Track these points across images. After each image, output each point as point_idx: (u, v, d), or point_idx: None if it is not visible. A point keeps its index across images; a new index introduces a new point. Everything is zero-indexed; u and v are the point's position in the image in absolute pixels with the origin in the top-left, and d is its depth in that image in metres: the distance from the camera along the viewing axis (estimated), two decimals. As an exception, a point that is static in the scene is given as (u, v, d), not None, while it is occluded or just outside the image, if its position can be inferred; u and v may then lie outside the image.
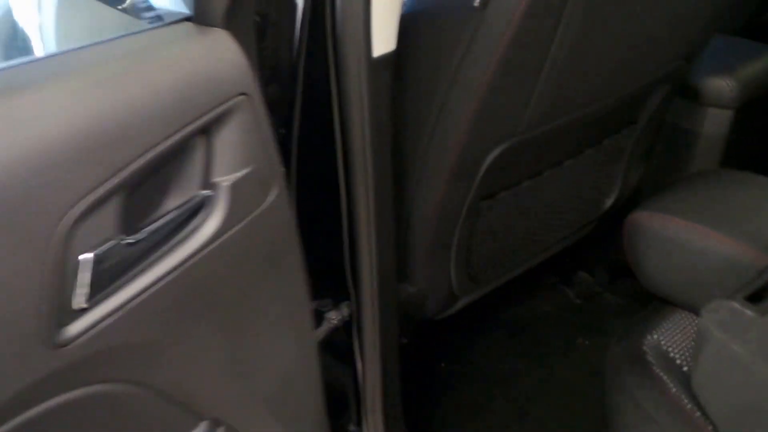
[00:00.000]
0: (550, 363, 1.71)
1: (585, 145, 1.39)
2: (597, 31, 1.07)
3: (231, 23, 0.77)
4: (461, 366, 1.71)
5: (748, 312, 0.92)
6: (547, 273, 1.90)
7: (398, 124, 1.05)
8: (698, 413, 1.00)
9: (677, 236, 1.20)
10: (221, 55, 0.76)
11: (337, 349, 1.19)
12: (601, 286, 1.89)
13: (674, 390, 1.03)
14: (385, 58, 0.92)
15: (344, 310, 1.12)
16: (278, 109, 1.02)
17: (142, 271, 0.73)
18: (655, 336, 1.15)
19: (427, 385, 1.65)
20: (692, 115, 1.66)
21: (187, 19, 0.78)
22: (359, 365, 1.16)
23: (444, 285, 1.31)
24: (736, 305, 0.93)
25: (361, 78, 0.90)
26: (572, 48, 1.03)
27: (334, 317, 1.12)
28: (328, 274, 1.11)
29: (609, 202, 1.56)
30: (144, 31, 0.78)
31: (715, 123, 1.65)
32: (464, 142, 1.08)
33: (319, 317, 1.11)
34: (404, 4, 1.05)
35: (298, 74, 0.97)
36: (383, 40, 0.91)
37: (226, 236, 0.79)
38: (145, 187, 0.73)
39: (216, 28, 0.77)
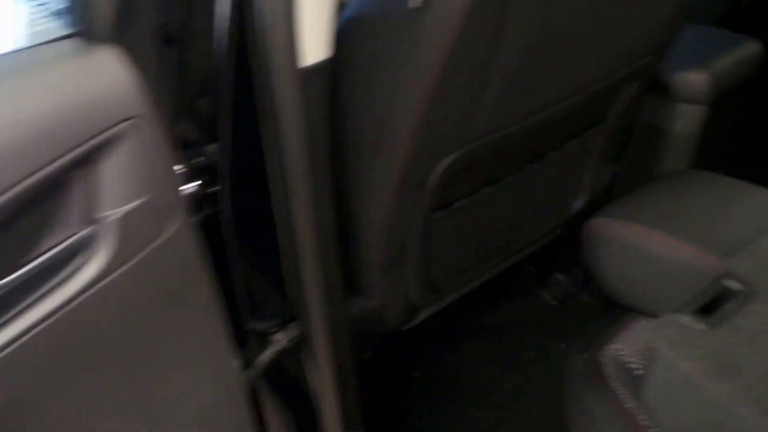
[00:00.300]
0: (526, 369, 1.69)
1: (548, 148, 1.34)
2: (550, 28, 1.01)
3: (123, 38, 0.70)
4: (434, 375, 1.68)
5: (697, 326, 0.88)
6: (521, 276, 1.87)
7: (339, 136, 1.02)
8: (653, 429, 0.96)
9: (634, 243, 1.17)
10: (105, 75, 0.68)
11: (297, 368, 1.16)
12: (576, 287, 1.86)
13: (629, 405, 1.00)
14: (317, 68, 0.86)
15: (292, 331, 1.09)
16: (212, 123, 0.99)
17: (3, 324, 0.67)
18: (615, 345, 1.11)
19: (400, 397, 1.62)
20: (664, 111, 1.62)
21: (75, 34, 0.71)
22: (313, 386, 1.13)
23: (402, 298, 1.27)
24: (684, 319, 0.89)
25: (289, 89, 0.84)
26: (523, 48, 0.98)
27: (281, 339, 1.09)
28: (274, 294, 1.07)
29: (578, 204, 1.52)
30: (18, 50, 0.71)
31: (688, 119, 1.61)
32: (409, 153, 1.04)
33: (265, 340, 1.08)
34: (347, 8, 1.01)
35: (225, 87, 0.92)
36: (314, 47, 0.84)
37: (114, 275, 0.73)
38: (7, 230, 0.67)
39: (102, 45, 0.70)
